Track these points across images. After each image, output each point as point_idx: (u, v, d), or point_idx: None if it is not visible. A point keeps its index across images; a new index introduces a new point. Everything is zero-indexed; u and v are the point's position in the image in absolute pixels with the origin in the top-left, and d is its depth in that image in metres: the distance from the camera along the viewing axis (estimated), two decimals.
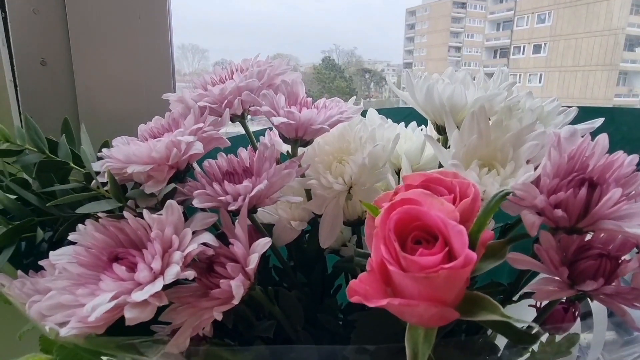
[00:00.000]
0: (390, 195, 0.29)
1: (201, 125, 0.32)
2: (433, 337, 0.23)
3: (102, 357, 0.32)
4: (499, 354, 0.35)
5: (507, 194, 0.22)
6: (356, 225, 0.41)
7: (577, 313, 0.38)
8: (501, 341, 0.44)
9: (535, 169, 0.30)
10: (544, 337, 0.37)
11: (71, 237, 0.29)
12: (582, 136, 0.31)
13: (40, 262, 0.30)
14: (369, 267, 0.22)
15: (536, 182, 0.29)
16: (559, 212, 0.27)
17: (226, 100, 0.34)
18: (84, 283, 0.27)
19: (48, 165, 0.33)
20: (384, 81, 4.19)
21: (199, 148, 0.30)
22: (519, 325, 0.23)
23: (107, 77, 0.50)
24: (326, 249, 0.41)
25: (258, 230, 0.36)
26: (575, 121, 0.39)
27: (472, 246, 0.24)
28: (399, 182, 0.42)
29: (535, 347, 0.44)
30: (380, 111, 0.54)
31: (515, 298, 0.38)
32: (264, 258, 0.42)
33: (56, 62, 0.49)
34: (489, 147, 0.32)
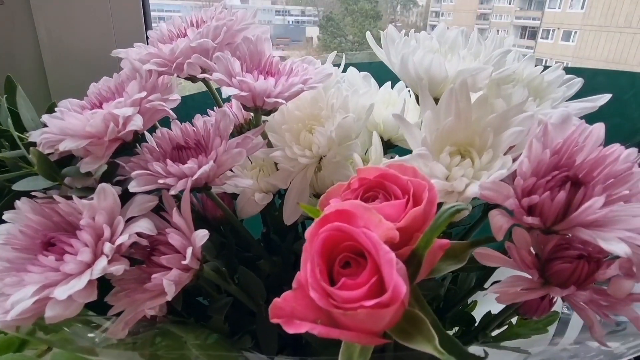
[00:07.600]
0: (343, 188, 0.26)
1: (143, 95, 0.28)
2: (369, 353, 0.21)
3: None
4: None
5: (458, 210, 0.19)
6: None
7: (553, 300, 0.36)
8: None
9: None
10: None
11: (5, 216, 0.27)
12: (580, 119, 0.27)
13: None
14: (296, 284, 0.20)
15: (513, 177, 0.26)
16: (528, 219, 0.23)
17: (176, 63, 0.31)
18: (16, 269, 0.26)
19: None
20: (411, 3, 3.92)
21: (137, 124, 0.27)
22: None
23: (69, 16, 0.46)
24: (300, 216, 0.38)
25: (217, 205, 0.34)
26: (596, 87, 0.33)
27: (418, 263, 0.21)
28: (384, 151, 0.39)
29: (514, 320, 0.43)
30: (370, 65, 0.48)
31: (487, 285, 0.36)
32: (231, 228, 0.40)
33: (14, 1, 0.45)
34: (467, 130, 0.28)
